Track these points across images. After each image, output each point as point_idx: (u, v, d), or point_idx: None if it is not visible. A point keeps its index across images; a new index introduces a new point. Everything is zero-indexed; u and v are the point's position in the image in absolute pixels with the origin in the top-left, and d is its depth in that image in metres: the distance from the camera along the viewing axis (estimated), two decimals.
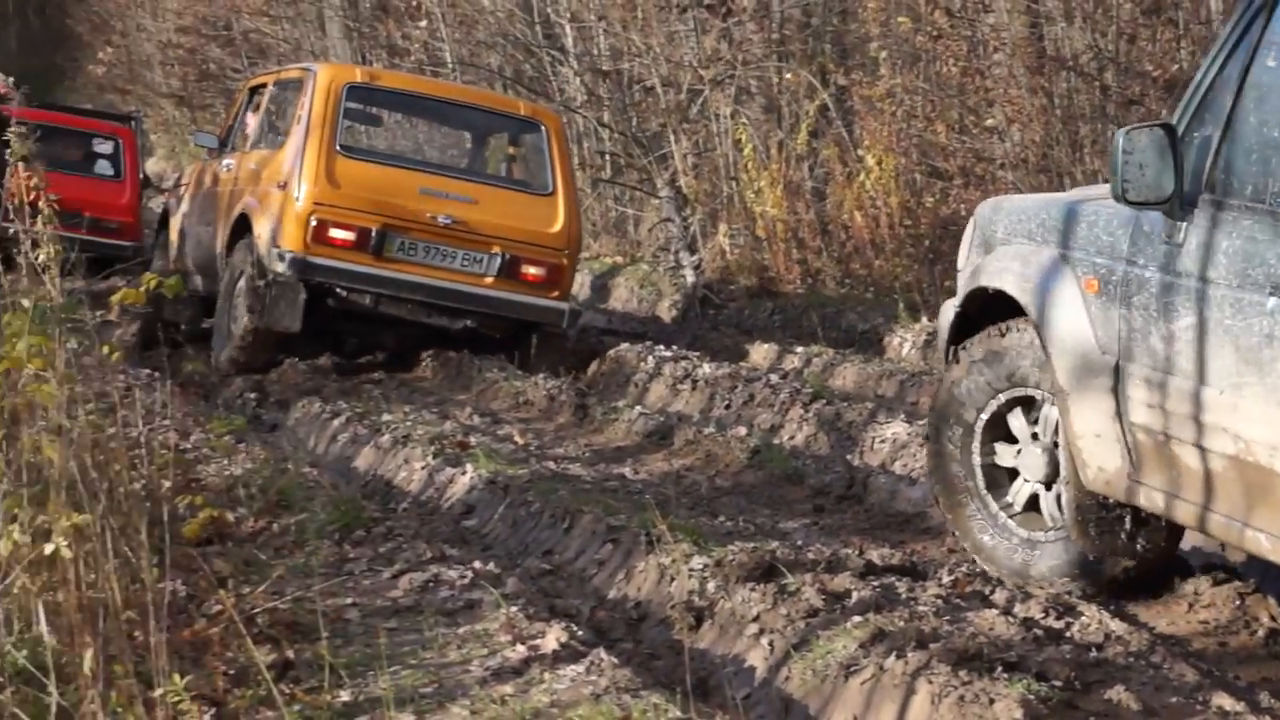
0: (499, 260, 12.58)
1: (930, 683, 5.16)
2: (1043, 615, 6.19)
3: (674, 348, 13.23)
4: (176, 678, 4.50)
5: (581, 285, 18.26)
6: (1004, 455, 6.85)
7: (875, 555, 6.87)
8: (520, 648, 5.52)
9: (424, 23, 23.76)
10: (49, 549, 4.63)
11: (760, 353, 13.70)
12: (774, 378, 11.44)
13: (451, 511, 8.29)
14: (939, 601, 6.23)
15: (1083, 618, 6.17)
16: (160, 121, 36.59)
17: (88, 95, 38.06)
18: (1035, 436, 6.73)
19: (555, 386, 11.60)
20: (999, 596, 6.43)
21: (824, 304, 15.66)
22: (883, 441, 9.46)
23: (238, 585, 6.02)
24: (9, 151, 5.63)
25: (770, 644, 5.81)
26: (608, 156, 20.75)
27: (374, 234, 12.35)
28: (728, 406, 11.11)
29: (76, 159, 19.63)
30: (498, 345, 12.95)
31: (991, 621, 5.97)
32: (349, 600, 6.14)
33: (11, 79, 18.65)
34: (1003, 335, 6.75)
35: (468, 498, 8.35)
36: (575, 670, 5.29)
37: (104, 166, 20.21)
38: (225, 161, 14.11)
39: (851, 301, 15.75)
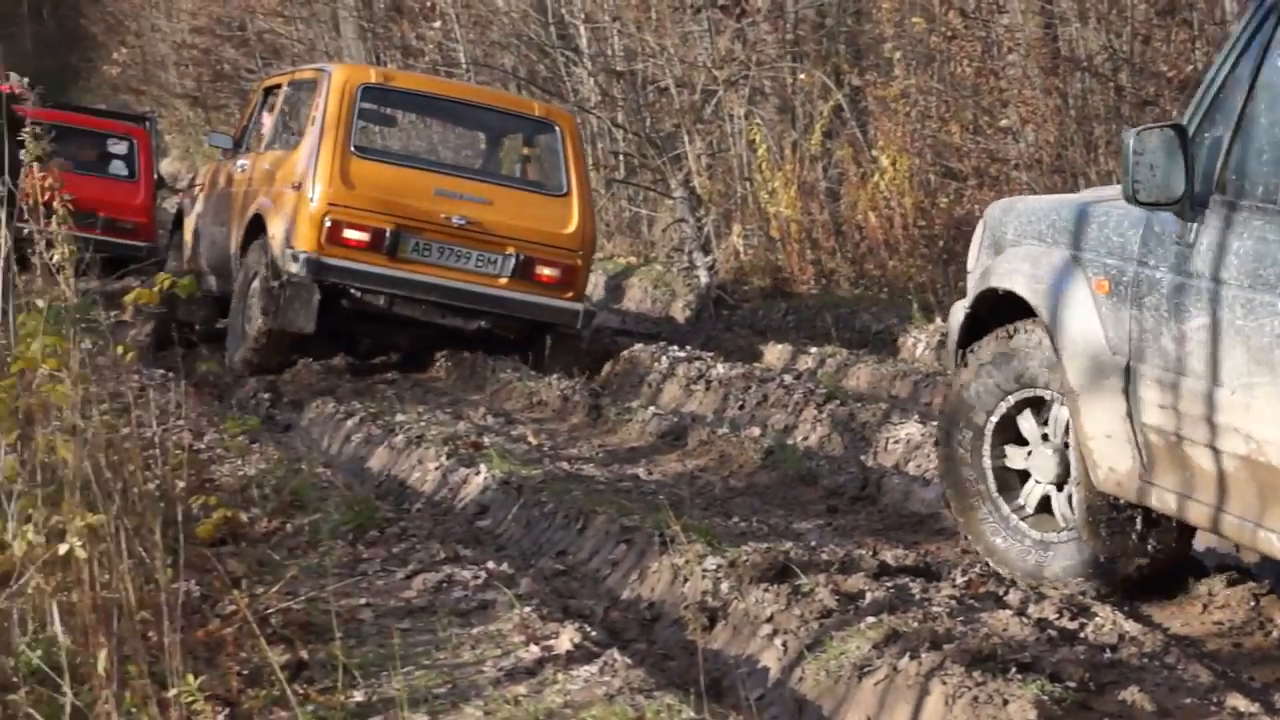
0: (513, 261, 12.57)
1: (944, 683, 5.15)
2: (1057, 616, 6.18)
3: (688, 348, 13.23)
4: (190, 678, 4.51)
5: (595, 286, 18.26)
6: (1014, 458, 6.85)
7: (889, 556, 6.87)
8: (534, 648, 5.52)
9: (438, 23, 23.77)
10: (63, 549, 4.64)
11: (774, 353, 13.69)
12: (788, 378, 11.44)
13: (465, 512, 8.29)
14: (953, 602, 6.22)
15: (1097, 618, 6.16)
16: (175, 122, 36.64)
17: (102, 96, 38.11)
18: (1045, 438, 6.73)
19: (569, 387, 11.60)
20: (1013, 597, 6.43)
21: (838, 304, 15.66)
22: (896, 442, 9.45)
23: (251, 585, 6.03)
24: (24, 152, 5.64)
25: (784, 645, 5.81)
26: (622, 157, 20.75)
27: (388, 235, 12.35)
28: (741, 407, 11.10)
29: (91, 159, 19.64)
30: (512, 346, 12.95)
31: (1005, 622, 5.97)
32: (363, 600, 6.14)
33: (26, 79, 18.68)
34: (1010, 337, 6.75)
35: (481, 498, 8.35)
36: (589, 671, 5.29)
37: (118, 167, 20.23)
38: (239, 162, 14.12)
39: (865, 302, 15.74)
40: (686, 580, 6.52)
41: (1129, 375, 6.06)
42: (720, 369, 11.89)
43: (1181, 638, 6.29)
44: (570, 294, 12.76)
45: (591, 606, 6.57)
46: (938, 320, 13.79)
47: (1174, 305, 5.88)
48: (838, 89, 17.71)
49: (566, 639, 5.55)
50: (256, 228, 12.89)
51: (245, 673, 5.09)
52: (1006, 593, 6.49)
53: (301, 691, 5.00)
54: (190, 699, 4.47)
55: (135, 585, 4.76)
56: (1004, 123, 15.94)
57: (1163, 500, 6.04)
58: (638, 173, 20.14)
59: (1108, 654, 5.81)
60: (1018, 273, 6.68)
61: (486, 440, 9.37)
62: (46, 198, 5.60)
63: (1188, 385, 5.79)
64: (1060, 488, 6.70)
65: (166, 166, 30.49)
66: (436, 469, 8.90)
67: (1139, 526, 6.39)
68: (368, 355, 13.34)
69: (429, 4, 24.10)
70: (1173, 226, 5.95)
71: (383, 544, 7.01)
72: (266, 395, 11.87)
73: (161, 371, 11.11)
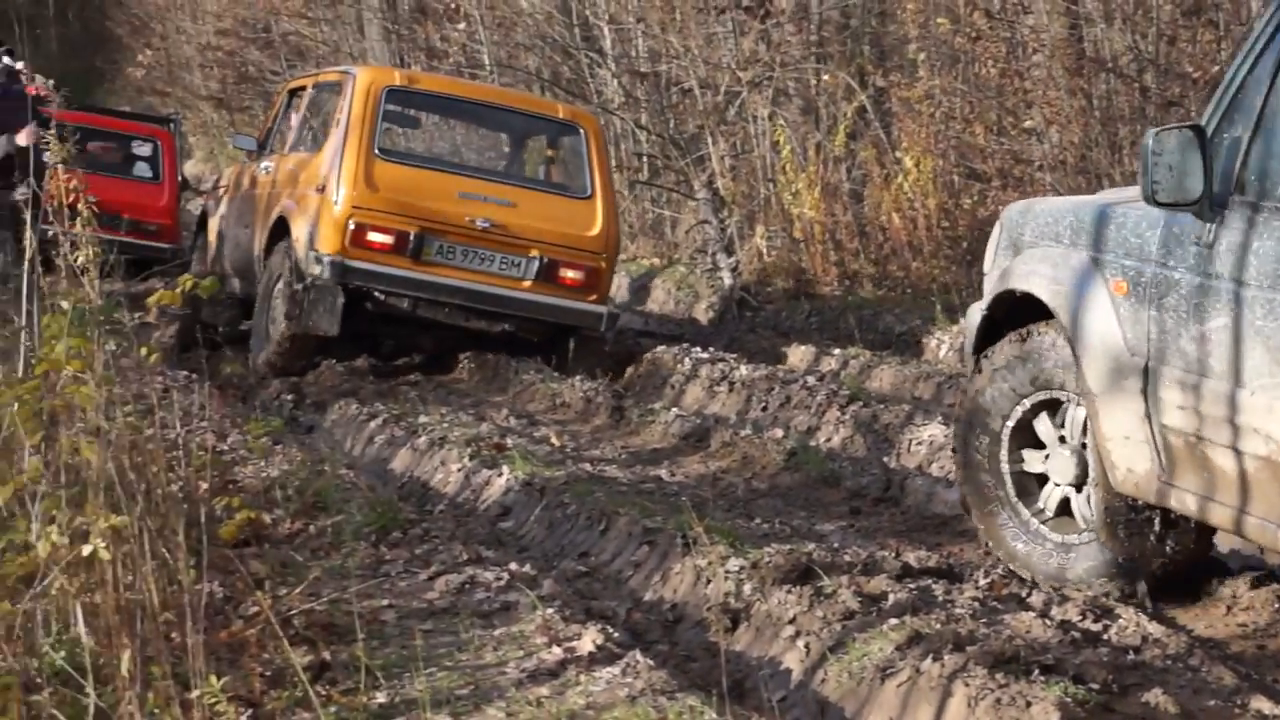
0: (537, 264, 12.58)
1: (967, 685, 5.15)
2: (1080, 618, 6.17)
3: (711, 349, 13.23)
4: (213, 679, 4.52)
5: (619, 287, 18.26)
6: (1032, 461, 6.84)
7: (912, 557, 6.86)
8: (556, 649, 5.52)
9: (462, 25, 23.78)
10: (87, 550, 4.65)
11: (797, 354, 13.69)
12: (811, 379, 11.43)
13: (488, 513, 8.30)
14: (975, 604, 6.22)
15: (1120, 620, 6.15)
16: (199, 124, 36.69)
17: (127, 98, 38.19)
18: (1062, 440, 6.72)
19: (592, 388, 11.60)
20: (1036, 599, 6.42)
21: (861, 306, 15.65)
22: (920, 443, 9.45)
23: (274, 587, 6.03)
24: (48, 154, 5.66)
25: (806, 646, 5.81)
26: (645, 158, 20.76)
27: (412, 237, 12.36)
28: (764, 408, 11.10)
29: (115, 161, 19.70)
30: (534, 347, 12.95)
31: (1028, 624, 5.96)
32: (385, 602, 6.15)
33: (52, 81, 18.76)
34: (1023, 340, 6.74)
35: (504, 499, 8.36)
36: (611, 672, 5.29)
37: (143, 169, 20.28)
38: (264, 164, 14.14)
39: (889, 303, 15.73)
40: (709, 582, 6.52)
41: (1148, 376, 6.05)
42: (743, 370, 11.89)
43: (1205, 640, 6.27)
44: (594, 296, 12.77)
45: (614, 608, 6.57)
46: (961, 321, 13.76)
47: (1193, 306, 5.87)
48: (862, 90, 17.71)
49: (589, 640, 5.55)
50: (280, 230, 12.91)
51: (268, 674, 5.10)
52: (1029, 594, 6.49)
53: (324, 693, 5.01)
54: (213, 700, 4.48)
55: (158, 586, 4.77)
56: (1028, 124, 15.92)
57: (1182, 502, 6.03)
58: (661, 174, 20.16)
59: (1131, 656, 5.80)
60: (1036, 274, 6.67)
61: (509, 442, 9.38)
62: (71, 200, 5.62)
63: (1208, 386, 5.78)
64: (1079, 489, 6.69)
65: (191, 168, 30.55)
66: (459, 470, 8.91)
67: (1157, 528, 6.38)
68: (391, 357, 13.35)
69: (453, 6, 24.12)
70: (1192, 227, 5.93)
71: (405, 545, 7.02)
72: (290, 397, 11.89)
73: (185, 373, 11.14)
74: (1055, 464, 6.74)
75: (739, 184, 18.61)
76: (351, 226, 12.28)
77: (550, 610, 5.91)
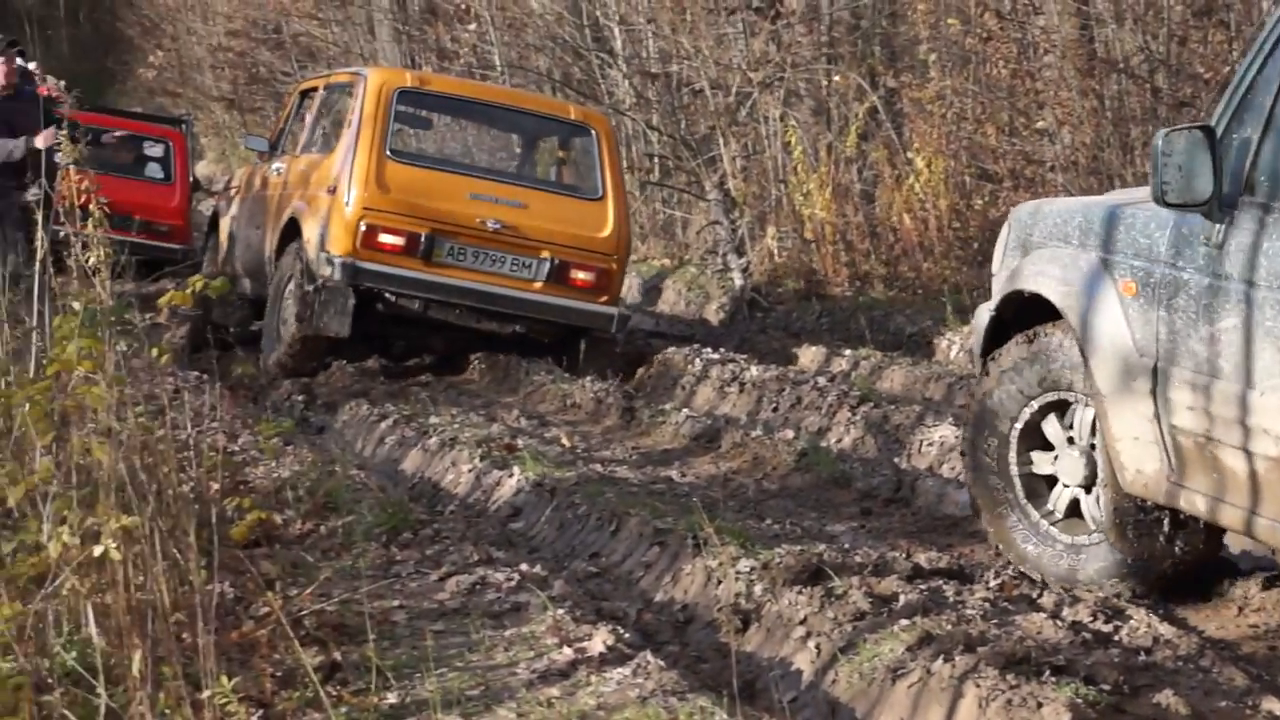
0: (548, 265, 12.57)
1: (978, 686, 5.15)
2: (1091, 619, 6.17)
3: (721, 350, 13.23)
4: (224, 679, 4.53)
5: (630, 288, 18.25)
6: (1041, 463, 6.83)
7: (922, 558, 6.86)
8: (567, 650, 5.52)
9: (473, 26, 23.78)
10: (98, 551, 4.66)
11: (808, 355, 13.69)
12: (822, 380, 11.43)
13: (498, 514, 8.31)
14: (986, 605, 6.22)
15: (1131, 621, 6.15)
16: (210, 125, 36.71)
17: (138, 99, 38.20)
18: (1071, 441, 6.71)
19: (602, 389, 11.60)
20: (1047, 600, 6.42)
21: (872, 306, 15.64)
22: (930, 444, 9.44)
23: (285, 587, 6.04)
24: (59, 155, 5.67)
25: (817, 647, 5.81)
26: (656, 159, 20.74)
27: (423, 239, 12.36)
28: (775, 409, 11.10)
29: (127, 162, 19.71)
30: (545, 348, 12.95)
31: (1039, 625, 5.96)
32: (396, 602, 6.15)
33: (63, 82, 18.77)
34: (1031, 341, 6.73)
35: (515, 500, 8.37)
36: (622, 673, 5.30)
37: (154, 170, 20.30)
38: (275, 165, 14.15)
39: (900, 304, 15.72)
40: (720, 582, 6.52)
41: (1157, 377, 6.04)
42: (754, 371, 11.89)
43: (1217, 641, 6.27)
44: (605, 298, 12.76)
45: (625, 609, 6.57)
46: (972, 322, 13.76)
47: (1202, 307, 5.86)
48: (873, 91, 17.70)
49: (599, 641, 5.55)
50: (291, 231, 12.92)
51: (279, 674, 5.11)
52: (1040, 595, 6.49)
53: (335, 693, 5.02)
54: (224, 700, 4.49)
55: (170, 587, 4.78)
56: (1040, 124, 15.90)
57: (1192, 502, 6.02)
58: (672, 175, 20.14)
59: (1142, 657, 5.80)
60: (1044, 275, 6.66)
61: (520, 442, 9.39)
62: (82, 200, 5.63)
63: (1217, 387, 5.77)
64: (1089, 490, 6.68)
65: (202, 169, 30.57)
66: (470, 471, 8.91)
67: (1167, 529, 6.37)
68: (402, 358, 13.36)
69: (464, 6, 24.12)
70: (1201, 228, 5.93)
71: (416, 546, 7.02)
72: (301, 397, 11.89)
73: (196, 374, 11.14)
74: (1064, 465, 6.73)
75: (750, 185, 18.60)
76: (363, 228, 12.29)
77: (561, 611, 5.91)
